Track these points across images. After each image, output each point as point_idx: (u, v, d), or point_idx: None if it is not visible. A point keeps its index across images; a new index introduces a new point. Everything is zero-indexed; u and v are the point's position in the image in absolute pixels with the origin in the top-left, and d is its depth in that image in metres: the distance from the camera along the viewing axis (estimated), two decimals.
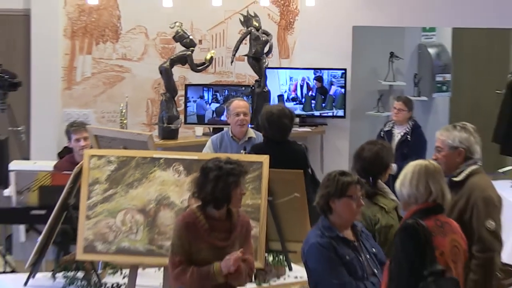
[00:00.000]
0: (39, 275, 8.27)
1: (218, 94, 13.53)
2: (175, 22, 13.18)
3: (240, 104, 11.16)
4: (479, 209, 7.64)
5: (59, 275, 8.17)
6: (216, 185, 6.86)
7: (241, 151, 10.16)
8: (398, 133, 13.00)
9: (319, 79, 14.22)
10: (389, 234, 7.34)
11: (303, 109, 14.25)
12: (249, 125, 11.77)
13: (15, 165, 11.90)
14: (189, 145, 12.19)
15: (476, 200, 7.70)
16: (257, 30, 13.26)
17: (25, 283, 8.11)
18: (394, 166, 8.46)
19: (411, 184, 6.77)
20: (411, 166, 6.95)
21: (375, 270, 6.85)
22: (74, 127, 10.93)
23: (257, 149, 9.93)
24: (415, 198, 6.77)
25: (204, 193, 6.95)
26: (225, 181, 6.83)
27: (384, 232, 7.34)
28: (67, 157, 11.17)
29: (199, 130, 13.16)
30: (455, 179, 7.70)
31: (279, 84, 14.07)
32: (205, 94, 13.66)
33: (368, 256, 6.94)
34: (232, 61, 13.74)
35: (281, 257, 8.26)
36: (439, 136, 7.82)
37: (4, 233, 11.86)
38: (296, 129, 13.68)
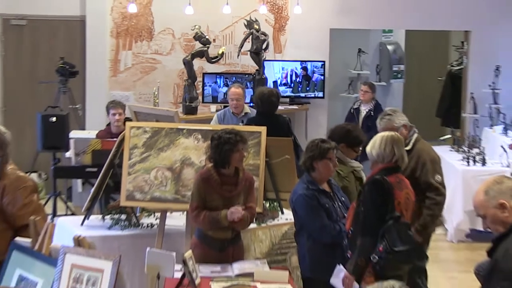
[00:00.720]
0: (92, 217, 8.27)
1: (227, 80, 13.52)
2: (195, 26, 13.14)
3: (235, 91, 11.11)
4: (428, 167, 7.77)
5: (107, 217, 8.23)
6: (217, 151, 6.98)
7: (239, 123, 10.37)
8: (364, 110, 13.03)
9: (304, 68, 14.17)
10: (346, 190, 7.36)
11: (292, 92, 14.19)
12: (250, 103, 11.85)
13: (73, 134, 11.86)
14: (205, 118, 12.17)
15: (425, 161, 7.80)
16: (257, 31, 13.23)
17: (82, 223, 8.11)
18: None
19: (380, 147, 6.76)
20: (381, 134, 6.97)
21: (345, 214, 6.91)
22: (112, 104, 11.02)
23: (252, 121, 9.96)
24: (382, 157, 6.75)
25: (212, 156, 7.09)
26: (222, 148, 6.93)
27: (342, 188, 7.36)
28: (106, 128, 11.22)
29: (213, 107, 13.17)
30: (406, 148, 7.74)
31: (273, 72, 14.01)
32: (218, 80, 13.67)
33: (339, 203, 7.02)
34: (238, 55, 13.76)
35: (275, 203, 8.26)
36: (388, 124, 7.85)
37: (65, 185, 11.92)
38: (287, 107, 13.79)
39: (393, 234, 6.40)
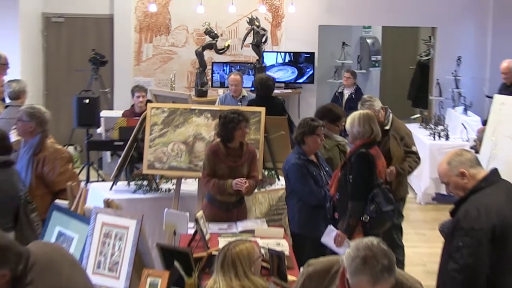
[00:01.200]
0: (119, 183, 8.28)
1: (233, 68, 13.44)
2: (205, 22, 13.13)
3: (233, 78, 11.08)
4: (406, 140, 7.84)
5: (132, 183, 8.22)
6: (223, 128, 6.99)
7: (238, 104, 10.42)
8: (346, 93, 12.98)
9: (296, 59, 14.17)
10: (329, 163, 7.28)
11: (288, 78, 14.20)
12: (252, 87, 11.81)
13: (103, 113, 11.86)
14: (214, 100, 12.06)
15: (403, 135, 7.84)
16: (257, 27, 13.20)
17: (110, 188, 8.12)
18: None
19: (360, 124, 6.69)
20: (358, 113, 6.88)
21: (328, 181, 6.90)
22: (137, 88, 11.03)
23: (253, 102, 9.95)
24: (362, 134, 6.68)
25: (219, 132, 7.09)
26: (227, 126, 6.93)
27: (326, 162, 7.34)
28: (130, 108, 11.20)
29: (221, 91, 13.10)
30: (386, 127, 7.73)
31: (271, 62, 14.04)
32: (225, 68, 13.62)
33: (324, 172, 7.01)
34: (241, 47, 13.78)
35: (272, 172, 8.26)
36: (370, 108, 7.80)
37: (97, 156, 11.91)
38: (282, 91, 13.75)
39: (380, 198, 6.44)
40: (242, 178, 6.91)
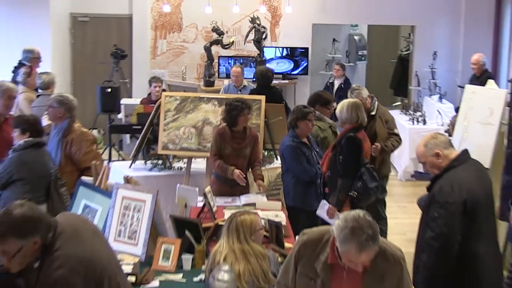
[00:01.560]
0: (137, 162, 8.27)
1: (237, 61, 13.39)
2: (213, 21, 13.10)
3: (235, 70, 11.05)
4: (390, 123, 7.86)
5: (148, 162, 8.21)
6: (228, 114, 6.99)
7: (238, 92, 10.47)
8: (336, 83, 12.90)
9: (292, 53, 14.15)
10: (324, 142, 7.30)
11: (285, 70, 14.17)
12: (254, 78, 11.78)
13: (123, 101, 11.89)
14: (220, 90, 12.14)
15: (387, 119, 7.85)
16: (258, 25, 13.13)
17: (129, 166, 8.13)
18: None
19: (348, 111, 6.71)
20: (346, 101, 6.89)
21: (319, 160, 6.89)
22: (154, 79, 11.00)
23: (254, 91, 9.87)
24: (350, 120, 6.69)
25: (225, 118, 7.08)
26: (231, 112, 6.94)
27: (321, 141, 7.30)
28: (147, 96, 11.16)
29: (226, 81, 13.02)
30: (372, 113, 7.72)
31: (270, 56, 14.01)
32: (230, 61, 13.60)
33: (315, 152, 6.99)
34: (244, 43, 13.71)
35: (271, 152, 8.25)
36: (358, 96, 7.78)
37: (118, 139, 11.91)
38: (280, 81, 13.69)
39: (366, 176, 6.44)
40: (243, 174, 6.94)
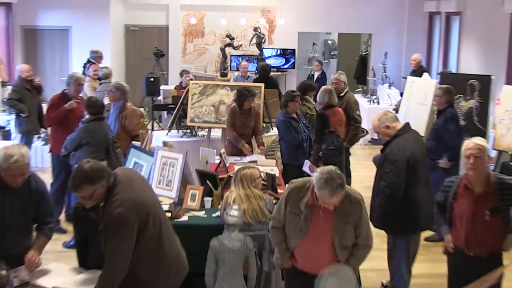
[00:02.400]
0: (172, 131, 8.23)
1: (244, 58, 13.29)
2: (227, 30, 13.04)
3: (243, 64, 11.13)
4: (352, 106, 7.57)
5: (180, 131, 8.16)
6: (237, 98, 6.95)
7: (245, 81, 10.42)
8: (316, 75, 12.73)
9: (284, 53, 14.03)
10: (311, 118, 7.20)
11: (278, 65, 14.05)
12: (256, 71, 11.70)
13: (162, 87, 11.87)
14: (231, 79, 12.06)
15: (351, 102, 7.60)
16: (259, 33, 13.02)
17: (166, 134, 8.09)
18: None
19: (322, 95, 6.83)
20: (324, 88, 7.02)
21: (306, 130, 6.82)
22: (184, 71, 10.81)
23: (256, 80, 9.77)
24: (323, 101, 6.76)
25: (236, 100, 7.02)
26: (240, 97, 6.88)
27: (309, 117, 7.19)
28: (179, 84, 10.95)
29: (236, 73, 12.91)
30: (341, 94, 7.61)
31: (268, 54, 13.90)
32: (239, 59, 13.41)
33: (302, 124, 6.91)
34: (249, 45, 13.53)
35: (268, 124, 8.19)
36: (340, 77, 7.71)
37: (158, 114, 11.84)
38: (275, 73, 13.52)
39: (328, 140, 6.32)
40: (249, 147, 6.92)
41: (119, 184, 3.48)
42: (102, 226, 3.42)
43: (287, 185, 3.96)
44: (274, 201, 4.98)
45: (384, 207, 4.71)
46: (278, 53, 14.05)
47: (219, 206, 5.00)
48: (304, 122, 6.98)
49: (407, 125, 4.91)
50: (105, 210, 3.44)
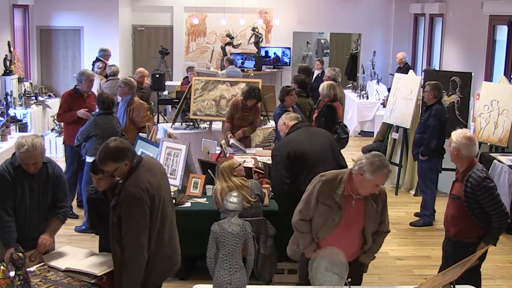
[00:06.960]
0: (176, 123, 8.17)
1: (242, 56, 13.28)
2: (227, 30, 12.96)
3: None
4: (342, 99, 7.71)
5: (184, 123, 8.10)
6: (246, 94, 6.77)
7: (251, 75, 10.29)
8: (316, 73, 12.48)
9: (279, 52, 13.97)
10: (308, 110, 7.24)
11: (274, 62, 13.98)
12: (254, 68, 11.64)
13: (167, 83, 11.78)
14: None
15: (342, 96, 7.66)
16: (257, 32, 13.00)
17: (171, 126, 8.04)
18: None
19: (327, 90, 6.87)
20: (326, 83, 7.02)
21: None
22: (189, 68, 10.81)
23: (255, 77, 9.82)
24: (329, 96, 6.78)
25: (243, 93, 6.92)
26: (249, 94, 6.75)
27: (308, 109, 7.20)
28: (184, 79, 11.02)
29: (237, 69, 12.99)
30: None
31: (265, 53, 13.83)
32: (238, 57, 13.40)
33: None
34: (247, 44, 13.47)
35: (266, 117, 8.13)
36: (336, 76, 7.73)
37: (163, 108, 11.80)
38: (271, 69, 13.54)
39: (340, 130, 6.49)
40: (232, 136, 6.68)
41: (142, 167, 3.45)
42: (115, 201, 3.39)
43: (315, 178, 3.68)
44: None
45: (276, 199, 4.67)
46: (275, 53, 13.87)
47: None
48: (300, 115, 6.94)
49: (297, 124, 4.78)
50: (123, 186, 3.40)
